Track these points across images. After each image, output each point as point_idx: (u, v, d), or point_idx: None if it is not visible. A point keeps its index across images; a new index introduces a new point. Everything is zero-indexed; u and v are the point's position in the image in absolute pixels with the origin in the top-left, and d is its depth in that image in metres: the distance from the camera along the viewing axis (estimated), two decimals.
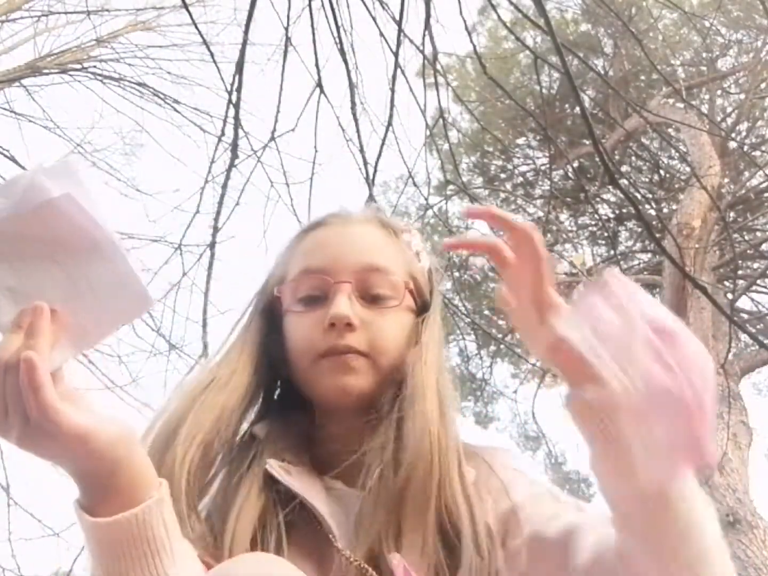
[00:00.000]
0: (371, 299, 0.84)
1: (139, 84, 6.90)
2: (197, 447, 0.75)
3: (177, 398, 0.81)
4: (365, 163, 2.96)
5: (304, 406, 0.87)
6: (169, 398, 0.81)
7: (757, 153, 8.12)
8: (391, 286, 0.85)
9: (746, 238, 8.62)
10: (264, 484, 0.77)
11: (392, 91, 2.96)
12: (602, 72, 7.38)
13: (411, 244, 0.91)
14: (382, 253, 0.87)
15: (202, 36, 3.22)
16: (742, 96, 8.04)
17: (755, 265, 8.72)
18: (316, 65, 2.87)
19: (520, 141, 9.06)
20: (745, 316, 8.53)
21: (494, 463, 0.84)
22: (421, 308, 0.89)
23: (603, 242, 9.10)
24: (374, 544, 0.71)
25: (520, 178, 9.22)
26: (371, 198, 2.86)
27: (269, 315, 0.89)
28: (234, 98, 2.66)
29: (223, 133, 2.80)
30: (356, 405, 0.82)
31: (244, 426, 0.85)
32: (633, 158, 9.18)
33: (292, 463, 0.80)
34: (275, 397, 0.91)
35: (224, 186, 2.74)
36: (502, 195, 8.98)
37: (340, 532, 0.73)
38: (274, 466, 0.77)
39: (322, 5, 2.82)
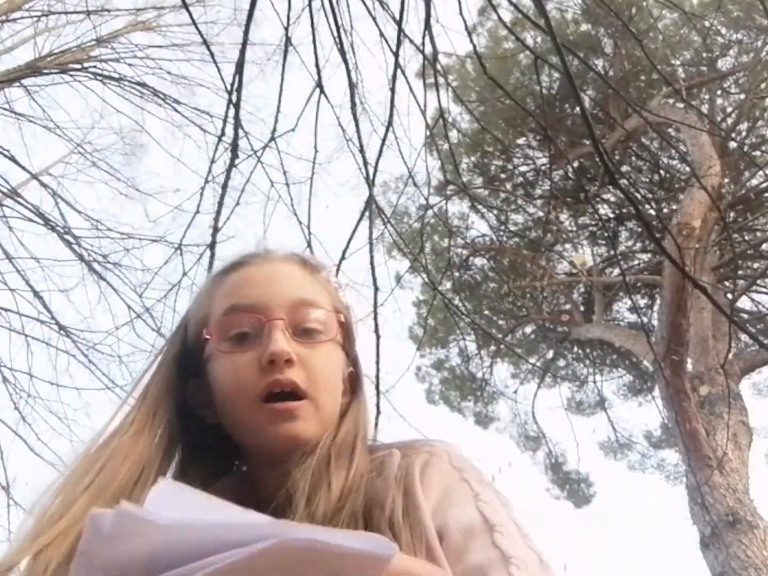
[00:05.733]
0: (303, 334, 0.82)
1: (139, 84, 6.92)
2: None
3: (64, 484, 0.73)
4: (365, 163, 2.96)
5: (223, 453, 0.84)
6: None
7: (757, 153, 8.14)
8: (322, 320, 0.83)
9: (746, 238, 8.63)
10: None
11: (392, 91, 2.96)
12: (602, 72, 7.38)
13: (330, 280, 0.91)
14: (310, 287, 0.85)
15: (202, 36, 3.23)
16: (742, 96, 8.04)
17: (755, 265, 8.73)
18: (316, 65, 2.87)
19: (520, 141, 9.06)
20: (745, 316, 8.54)
21: (441, 465, 0.79)
22: (346, 341, 0.88)
23: (603, 242, 9.11)
24: None
25: (520, 178, 9.23)
26: (371, 198, 2.86)
27: (185, 362, 0.84)
28: (234, 98, 2.66)
29: (223, 133, 2.80)
30: (299, 450, 0.78)
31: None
32: (633, 158, 9.18)
33: None
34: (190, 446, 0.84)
35: (224, 186, 2.73)
36: (502, 195, 8.99)
37: None
38: None
39: (322, 5, 2.82)
